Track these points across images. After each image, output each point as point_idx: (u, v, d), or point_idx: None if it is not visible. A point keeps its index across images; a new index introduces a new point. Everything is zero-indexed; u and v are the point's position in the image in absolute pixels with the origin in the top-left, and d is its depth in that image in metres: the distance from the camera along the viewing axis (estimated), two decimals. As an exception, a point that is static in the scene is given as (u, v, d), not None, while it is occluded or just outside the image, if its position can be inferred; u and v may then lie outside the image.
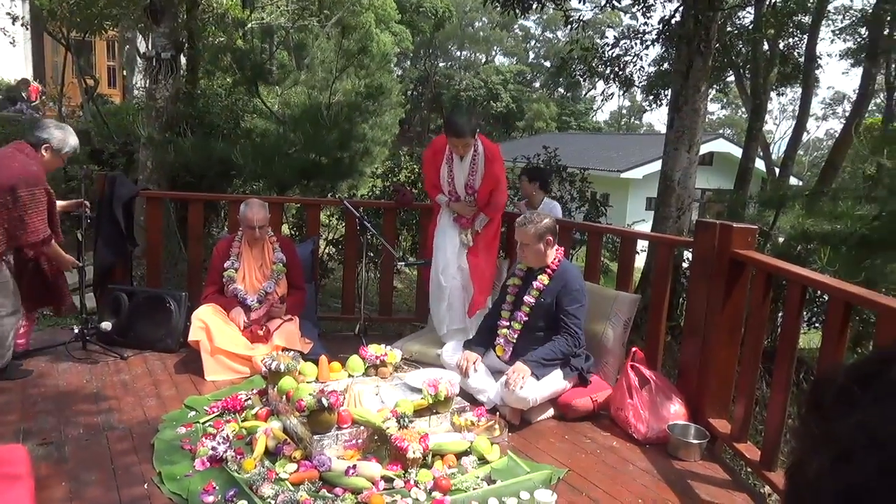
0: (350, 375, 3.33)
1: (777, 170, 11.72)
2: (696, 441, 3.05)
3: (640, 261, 5.62)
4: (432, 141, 4.34)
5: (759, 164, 12.28)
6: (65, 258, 3.78)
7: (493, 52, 43.48)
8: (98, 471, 2.63)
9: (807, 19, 10.46)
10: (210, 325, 3.77)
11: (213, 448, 2.72)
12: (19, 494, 1.99)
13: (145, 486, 2.55)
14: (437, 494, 2.53)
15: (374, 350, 3.38)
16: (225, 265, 4.03)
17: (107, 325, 3.98)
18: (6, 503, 1.93)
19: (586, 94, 38.56)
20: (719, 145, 19.01)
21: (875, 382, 0.47)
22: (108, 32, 9.52)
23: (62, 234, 3.69)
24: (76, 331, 4.01)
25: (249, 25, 8.48)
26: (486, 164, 4.00)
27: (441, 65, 40.23)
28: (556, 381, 3.29)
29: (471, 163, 4.00)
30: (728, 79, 13.33)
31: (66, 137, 3.63)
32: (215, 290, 4.05)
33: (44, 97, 11.00)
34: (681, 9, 6.22)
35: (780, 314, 4.79)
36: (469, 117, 3.82)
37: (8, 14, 9.60)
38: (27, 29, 10.61)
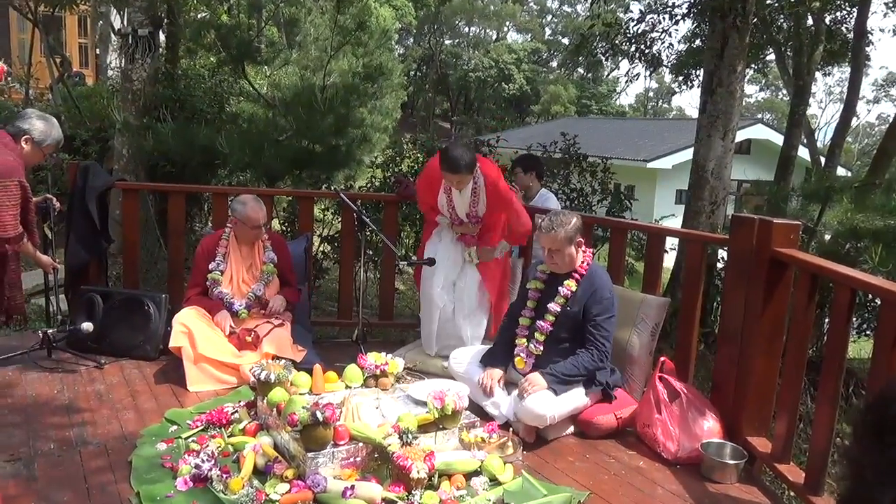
0: (347, 387, 3.34)
1: (823, 159, 11.69)
2: (732, 461, 3.04)
3: (669, 260, 5.61)
4: (425, 167, 4.34)
5: (803, 153, 12.25)
6: (41, 259, 3.79)
7: (506, 28, 43.46)
8: (70, 490, 2.64)
9: (856, -10, 10.40)
10: (193, 330, 3.78)
11: (197, 466, 2.72)
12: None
13: (122, 507, 2.56)
14: (444, 519, 2.54)
15: (373, 359, 3.38)
16: (210, 266, 4.04)
17: (88, 326, 3.93)
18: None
19: (609, 74, 38.53)
20: (758, 132, 18.98)
21: None
22: (80, 7, 9.56)
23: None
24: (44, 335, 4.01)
25: (235, -1, 8.49)
26: (488, 194, 4.00)
27: (447, 42, 40.23)
28: (576, 397, 3.28)
29: (471, 194, 4.01)
30: (768, 58, 13.28)
31: (49, 130, 3.67)
32: (199, 291, 4.05)
33: (9, 78, 11.05)
34: (715, -21, 6.20)
35: (826, 320, 4.78)
36: (466, 150, 3.84)
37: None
38: (-10, 4, 10.69)
